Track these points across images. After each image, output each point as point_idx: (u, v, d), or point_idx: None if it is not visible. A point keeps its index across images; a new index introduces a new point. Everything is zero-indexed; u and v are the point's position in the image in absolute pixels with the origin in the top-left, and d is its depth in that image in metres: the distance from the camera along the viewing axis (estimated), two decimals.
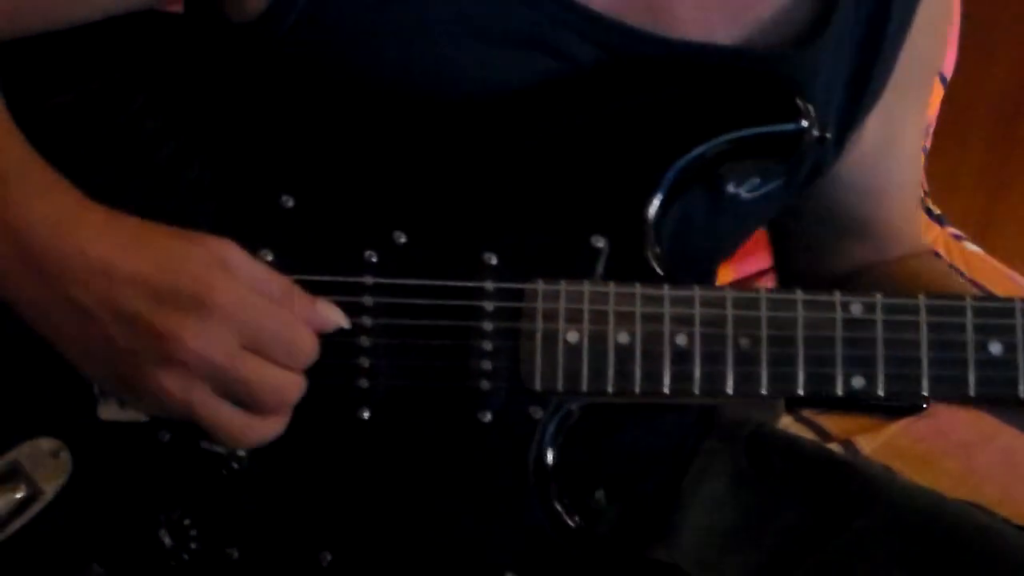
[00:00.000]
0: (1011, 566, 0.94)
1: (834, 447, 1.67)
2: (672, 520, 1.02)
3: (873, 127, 1.02)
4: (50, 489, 0.84)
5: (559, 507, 0.84)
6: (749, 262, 1.73)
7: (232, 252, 0.76)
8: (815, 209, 1.07)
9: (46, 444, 0.84)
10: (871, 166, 1.05)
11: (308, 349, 0.77)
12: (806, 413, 1.62)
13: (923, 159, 1.11)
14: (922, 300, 0.81)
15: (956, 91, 1.93)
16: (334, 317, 0.80)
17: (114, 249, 0.75)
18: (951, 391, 0.81)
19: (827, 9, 0.92)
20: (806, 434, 1.64)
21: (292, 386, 0.77)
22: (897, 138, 1.06)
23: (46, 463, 0.84)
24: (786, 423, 1.51)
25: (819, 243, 1.11)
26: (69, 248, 0.74)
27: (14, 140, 0.80)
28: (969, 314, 0.81)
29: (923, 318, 0.81)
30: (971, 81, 2.10)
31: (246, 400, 0.76)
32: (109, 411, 0.85)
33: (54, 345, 0.77)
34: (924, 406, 1.63)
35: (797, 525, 1.01)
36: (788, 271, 1.15)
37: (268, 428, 0.78)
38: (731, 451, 1.08)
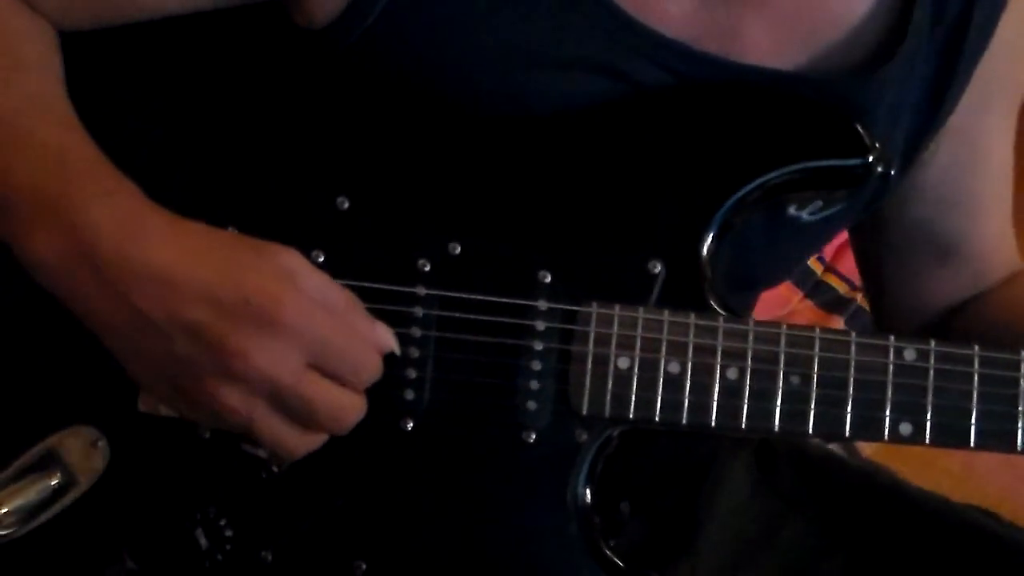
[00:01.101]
0: (1019, 571, 0.94)
1: (834, 447, 1.68)
2: (692, 534, 1.03)
3: (955, 141, 1.00)
4: (86, 478, 0.83)
5: (608, 552, 0.84)
6: None
7: (299, 263, 0.74)
8: (904, 230, 1.05)
9: (85, 433, 0.83)
10: (955, 179, 1.03)
11: (373, 368, 0.76)
12: None
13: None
14: (976, 351, 0.81)
15: None
16: (390, 341, 0.78)
17: (179, 257, 0.72)
18: (998, 444, 0.81)
19: (897, 33, 0.91)
20: None
21: (353, 408, 0.76)
22: (983, 152, 1.03)
23: (84, 452, 0.83)
24: None
25: (913, 272, 1.08)
26: (133, 254, 0.72)
27: (83, 140, 0.78)
28: None
29: (976, 369, 0.81)
30: None
31: (305, 419, 0.74)
32: (149, 403, 0.84)
33: (109, 348, 0.75)
34: None
35: (806, 533, 1.02)
36: (887, 313, 1.11)
37: (318, 442, 0.77)
38: (744, 459, 1.08)
